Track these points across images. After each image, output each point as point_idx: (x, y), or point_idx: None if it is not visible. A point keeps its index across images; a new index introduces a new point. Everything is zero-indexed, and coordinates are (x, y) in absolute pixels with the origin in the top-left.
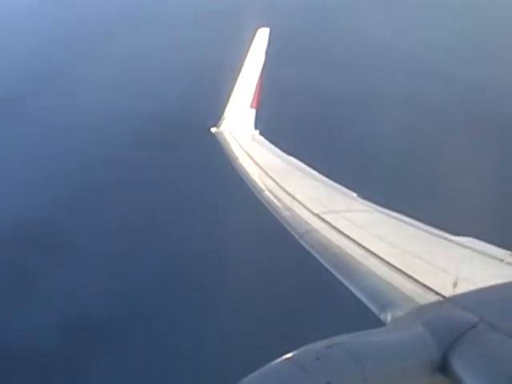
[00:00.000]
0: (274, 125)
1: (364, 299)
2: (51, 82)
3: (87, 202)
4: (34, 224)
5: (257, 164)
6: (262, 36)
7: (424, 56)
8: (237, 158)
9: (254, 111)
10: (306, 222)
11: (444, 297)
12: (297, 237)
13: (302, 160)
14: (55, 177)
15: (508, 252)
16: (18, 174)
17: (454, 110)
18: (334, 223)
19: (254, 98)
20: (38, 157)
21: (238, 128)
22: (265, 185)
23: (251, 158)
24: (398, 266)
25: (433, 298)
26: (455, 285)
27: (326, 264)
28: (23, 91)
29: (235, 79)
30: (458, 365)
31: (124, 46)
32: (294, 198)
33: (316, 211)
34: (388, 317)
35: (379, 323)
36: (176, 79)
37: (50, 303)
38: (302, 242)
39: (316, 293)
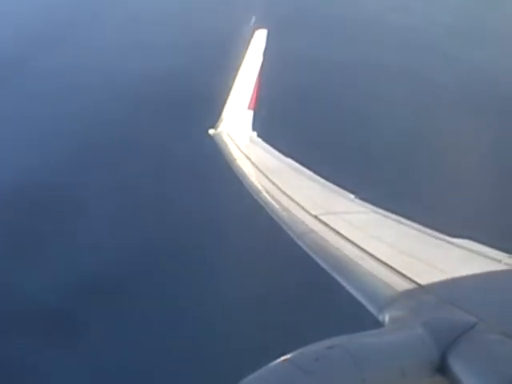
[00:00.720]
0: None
1: (362, 300)
2: (57, 42)
3: (91, 162)
4: (38, 184)
5: (254, 165)
6: (260, 37)
7: (423, 31)
8: (234, 160)
9: (251, 112)
10: (304, 224)
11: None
12: (294, 238)
13: (299, 161)
14: (59, 136)
15: (506, 254)
16: (22, 133)
17: (452, 87)
18: (331, 224)
19: (251, 100)
20: (42, 116)
21: (236, 129)
22: (262, 186)
23: (249, 159)
24: (396, 267)
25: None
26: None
27: (323, 265)
28: (27, 51)
29: (233, 80)
30: (456, 365)
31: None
32: (291, 199)
33: (314, 212)
34: (386, 318)
35: (377, 324)
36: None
37: (56, 263)
38: (300, 243)
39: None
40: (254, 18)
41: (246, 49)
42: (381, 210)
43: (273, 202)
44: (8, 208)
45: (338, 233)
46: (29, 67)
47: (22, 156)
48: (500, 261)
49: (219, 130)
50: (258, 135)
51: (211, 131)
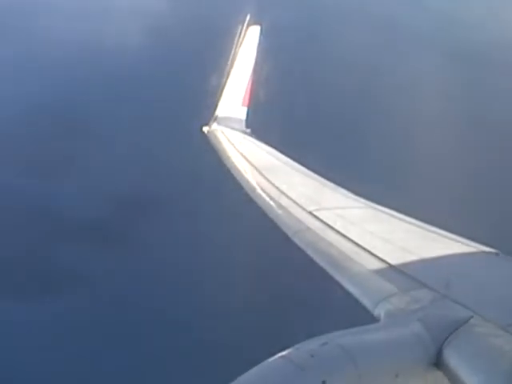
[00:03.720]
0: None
1: (357, 295)
2: None
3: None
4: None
5: (249, 162)
6: (253, 33)
7: None
8: (228, 157)
9: (245, 109)
10: (299, 220)
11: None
12: (290, 235)
13: (293, 158)
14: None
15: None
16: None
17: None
18: (326, 220)
19: (245, 96)
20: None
21: (230, 126)
22: (257, 183)
23: (243, 156)
24: (391, 262)
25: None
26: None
27: (319, 261)
28: None
29: (226, 77)
30: (452, 359)
31: None
32: (286, 195)
33: (308, 209)
34: (382, 313)
35: (373, 319)
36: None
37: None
38: (295, 240)
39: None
40: (248, 15)
41: (240, 45)
42: (375, 205)
43: (267, 199)
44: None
45: (332, 228)
46: None
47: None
48: (496, 254)
49: (213, 127)
50: (252, 132)
51: (205, 129)
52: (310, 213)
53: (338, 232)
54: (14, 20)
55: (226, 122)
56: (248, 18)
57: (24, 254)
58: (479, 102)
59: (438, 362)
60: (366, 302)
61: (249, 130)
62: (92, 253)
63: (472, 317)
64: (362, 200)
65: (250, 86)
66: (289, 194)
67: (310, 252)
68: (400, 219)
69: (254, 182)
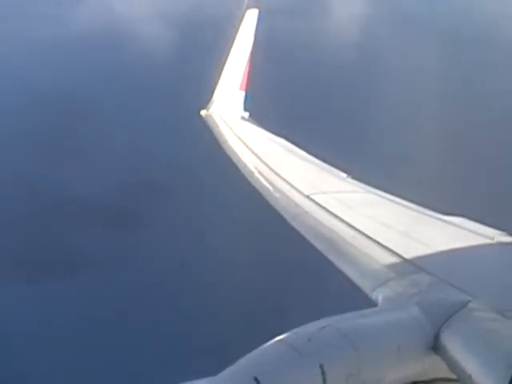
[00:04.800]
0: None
1: (355, 279)
2: None
3: None
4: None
5: (247, 146)
6: (251, 17)
7: None
8: (226, 141)
9: (243, 93)
10: (297, 204)
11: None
12: (288, 219)
13: (292, 141)
14: None
15: (498, 231)
16: None
17: None
18: (324, 204)
19: (243, 80)
20: None
21: (228, 110)
22: (255, 167)
23: (241, 140)
24: (389, 246)
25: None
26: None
27: (316, 245)
28: None
29: (224, 61)
30: (450, 343)
31: None
32: (284, 179)
33: (306, 192)
34: (379, 297)
35: (371, 303)
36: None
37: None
38: (293, 224)
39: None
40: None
41: (238, 29)
42: (373, 189)
43: (265, 183)
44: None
45: (330, 212)
46: None
47: None
48: (493, 238)
49: (211, 110)
50: (250, 115)
51: (203, 112)
52: (308, 197)
53: (335, 216)
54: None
55: (224, 105)
56: (246, 1)
57: (39, 239)
58: None
59: (435, 346)
60: (364, 286)
61: (247, 114)
62: (106, 236)
63: (470, 301)
64: (361, 184)
65: (247, 70)
66: (286, 177)
67: (307, 236)
68: (398, 203)
69: (251, 166)
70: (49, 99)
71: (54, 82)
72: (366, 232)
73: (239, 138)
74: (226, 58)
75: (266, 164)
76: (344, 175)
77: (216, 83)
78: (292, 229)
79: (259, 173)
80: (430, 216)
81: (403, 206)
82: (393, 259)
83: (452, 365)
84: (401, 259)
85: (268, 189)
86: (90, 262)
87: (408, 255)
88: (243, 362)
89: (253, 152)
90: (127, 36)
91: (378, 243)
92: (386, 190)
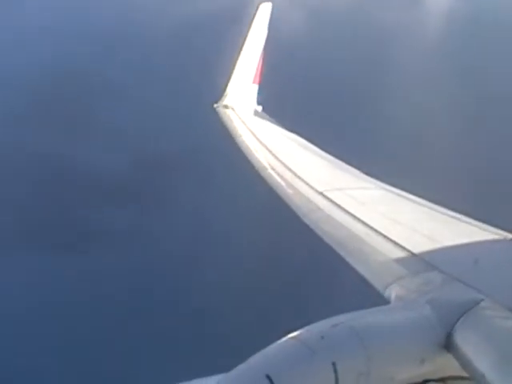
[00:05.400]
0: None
1: (368, 277)
2: None
3: None
4: None
5: (259, 141)
6: (264, 10)
7: None
8: (239, 135)
9: (256, 86)
10: (310, 201)
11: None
12: (300, 215)
13: (305, 136)
14: None
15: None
16: None
17: None
18: (337, 201)
19: (256, 74)
20: None
21: (241, 104)
22: (268, 162)
23: (254, 134)
24: (402, 244)
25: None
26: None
27: (329, 242)
28: None
29: (237, 54)
30: (462, 342)
31: None
32: (297, 175)
33: (319, 189)
34: (392, 295)
35: (383, 301)
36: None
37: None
38: (306, 221)
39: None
40: None
41: (251, 22)
42: (387, 186)
43: (278, 179)
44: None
45: (344, 209)
46: None
47: None
48: (505, 236)
49: (224, 104)
50: (263, 109)
51: (216, 105)
52: (321, 193)
53: (348, 213)
54: None
55: (237, 99)
56: None
57: (50, 214)
58: None
59: (447, 345)
60: (377, 283)
61: (260, 108)
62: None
63: (483, 299)
64: (374, 180)
65: (261, 64)
66: (299, 173)
67: (320, 233)
68: (411, 200)
69: (264, 161)
70: (63, 77)
71: (67, 61)
72: (379, 229)
73: (252, 132)
74: (240, 52)
75: (279, 159)
76: (357, 171)
77: (229, 77)
78: (305, 225)
79: (272, 168)
80: (443, 213)
81: (417, 203)
82: (406, 256)
83: (465, 363)
84: (414, 257)
85: (281, 184)
86: (100, 237)
87: (421, 253)
88: (255, 359)
89: (266, 147)
90: (139, 29)
91: (391, 240)
92: (399, 187)
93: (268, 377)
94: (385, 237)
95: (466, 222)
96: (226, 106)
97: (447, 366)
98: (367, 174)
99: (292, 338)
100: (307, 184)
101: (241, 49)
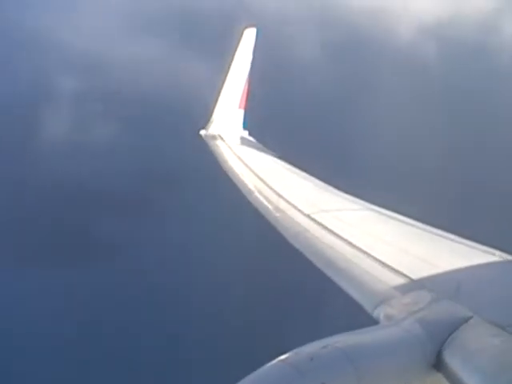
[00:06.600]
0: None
1: (356, 298)
2: None
3: None
4: None
5: (246, 165)
6: (249, 36)
7: None
8: (226, 161)
9: (242, 112)
10: (297, 223)
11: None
12: (288, 238)
13: (291, 160)
14: None
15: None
16: None
17: None
18: (324, 223)
19: (242, 99)
20: None
21: (227, 129)
22: (255, 186)
23: (241, 159)
24: (390, 264)
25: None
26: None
27: (317, 264)
28: None
29: (223, 80)
30: (452, 360)
31: None
32: (283, 198)
33: (306, 211)
34: (381, 315)
35: (372, 321)
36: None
37: None
38: (294, 243)
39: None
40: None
41: (236, 48)
42: (373, 206)
43: (265, 202)
44: None
45: (331, 231)
46: None
47: None
48: (494, 254)
49: (210, 130)
50: (250, 134)
51: (202, 132)
52: (309, 216)
53: (336, 234)
54: None
55: (223, 124)
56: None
57: (59, 225)
58: None
59: (437, 364)
60: (366, 304)
61: (246, 133)
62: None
63: (471, 317)
64: (361, 202)
65: (246, 89)
66: (287, 196)
67: (308, 255)
68: (399, 220)
69: (251, 185)
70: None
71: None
72: (367, 250)
73: (239, 157)
74: (225, 77)
75: (266, 183)
76: (344, 193)
77: (215, 102)
78: (293, 248)
79: (259, 192)
80: (430, 232)
81: (403, 222)
82: (394, 276)
83: (454, 382)
84: (402, 276)
85: (268, 208)
86: (107, 249)
87: (409, 272)
88: (245, 382)
89: (252, 171)
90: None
91: (379, 261)
92: (385, 207)
93: None
94: (373, 257)
95: (454, 241)
96: (212, 134)
97: None
98: (354, 195)
99: (281, 360)
100: (294, 207)
101: (226, 74)
